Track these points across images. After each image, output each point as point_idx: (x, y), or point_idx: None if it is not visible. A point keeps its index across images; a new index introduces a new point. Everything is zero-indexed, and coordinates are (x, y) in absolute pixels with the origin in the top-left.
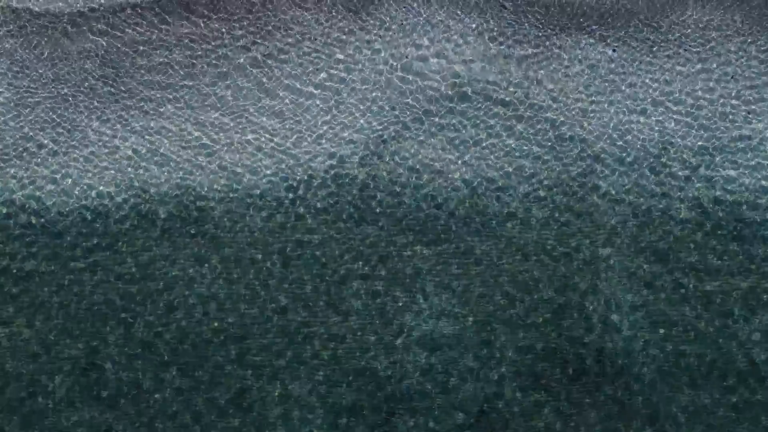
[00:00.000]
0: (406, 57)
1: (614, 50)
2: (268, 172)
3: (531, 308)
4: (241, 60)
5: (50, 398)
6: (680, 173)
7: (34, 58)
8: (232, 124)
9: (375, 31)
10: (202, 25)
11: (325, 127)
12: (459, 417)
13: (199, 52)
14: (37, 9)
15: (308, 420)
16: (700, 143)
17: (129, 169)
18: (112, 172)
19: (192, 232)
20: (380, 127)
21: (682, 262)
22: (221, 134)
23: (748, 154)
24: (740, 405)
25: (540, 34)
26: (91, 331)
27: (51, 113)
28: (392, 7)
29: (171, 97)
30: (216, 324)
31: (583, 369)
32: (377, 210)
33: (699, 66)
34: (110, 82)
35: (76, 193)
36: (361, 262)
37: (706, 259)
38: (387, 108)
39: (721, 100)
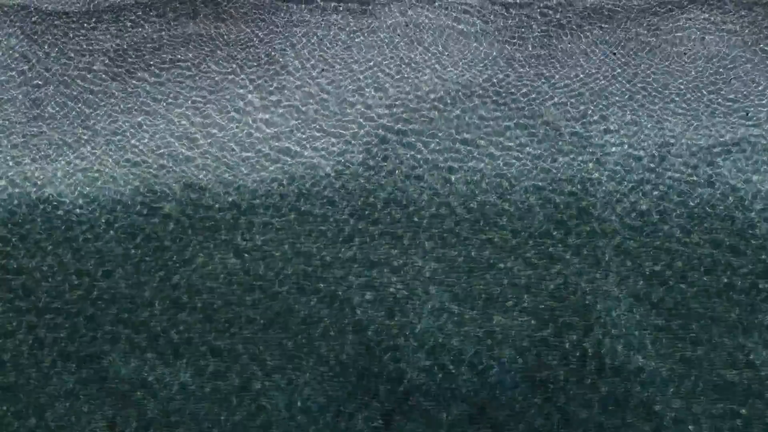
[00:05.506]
0: (410, 58)
1: (614, 53)
2: (272, 171)
3: (532, 308)
4: (247, 59)
5: (55, 390)
6: (681, 174)
7: (44, 56)
8: (237, 124)
9: (379, 33)
10: (209, 24)
11: (329, 128)
12: (459, 414)
13: (206, 52)
14: (47, 7)
15: (309, 414)
16: (700, 143)
17: (137, 167)
18: (121, 170)
19: (199, 229)
20: (383, 128)
21: (682, 262)
22: (227, 133)
23: (747, 155)
24: (744, 411)
25: (543, 35)
26: (100, 327)
27: (60, 111)
28: (397, 8)
29: (178, 96)
30: (219, 319)
31: (584, 366)
32: (378, 210)
33: (698, 65)
34: (119, 80)
35: (86, 190)
36: (362, 262)
37: (705, 258)
38: (390, 109)
39: (721, 101)
